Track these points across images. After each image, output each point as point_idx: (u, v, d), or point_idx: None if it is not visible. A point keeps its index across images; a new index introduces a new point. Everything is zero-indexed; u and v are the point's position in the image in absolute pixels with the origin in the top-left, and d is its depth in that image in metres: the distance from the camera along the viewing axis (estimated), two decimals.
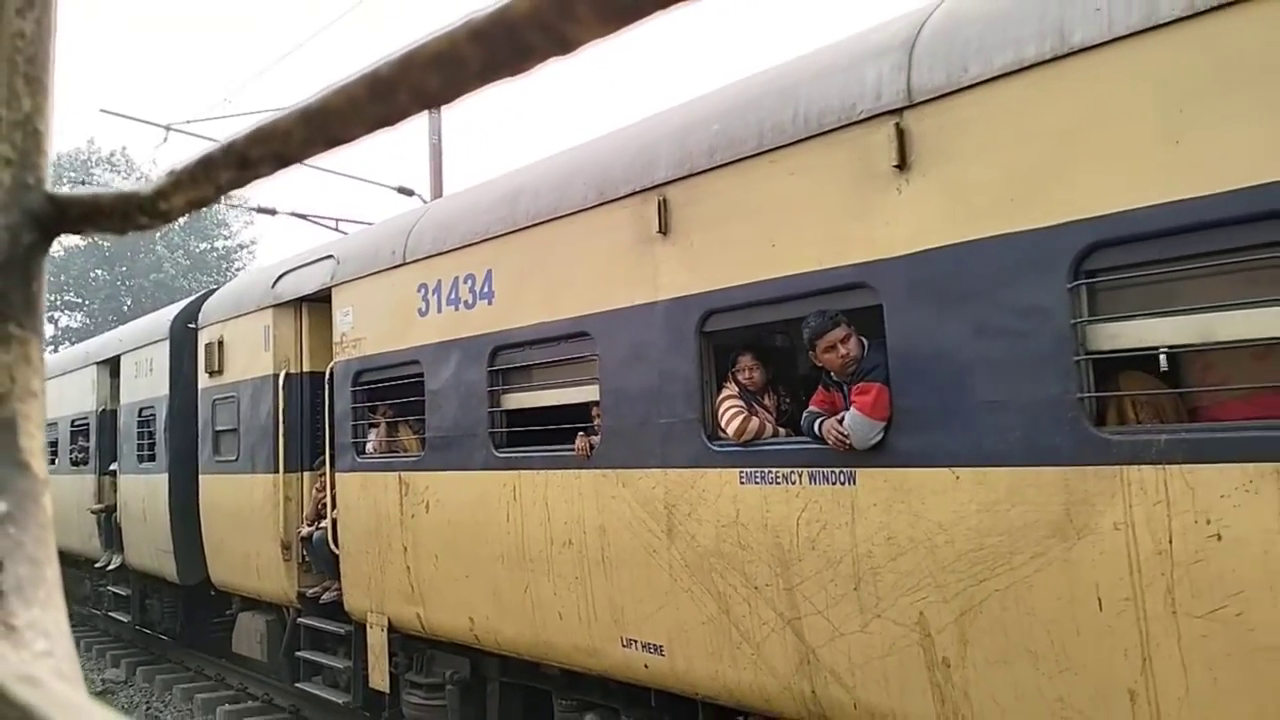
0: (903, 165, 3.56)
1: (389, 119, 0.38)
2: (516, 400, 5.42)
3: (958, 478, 3.39)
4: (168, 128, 12.57)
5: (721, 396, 4.32)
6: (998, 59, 3.32)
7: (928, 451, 3.49)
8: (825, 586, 3.80)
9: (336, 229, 11.99)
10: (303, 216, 12.36)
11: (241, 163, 0.43)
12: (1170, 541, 2.88)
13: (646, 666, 4.61)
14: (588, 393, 4.93)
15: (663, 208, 4.48)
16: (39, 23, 0.46)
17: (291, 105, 0.41)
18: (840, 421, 3.70)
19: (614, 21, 0.32)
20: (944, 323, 3.46)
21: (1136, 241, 3.01)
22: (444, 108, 0.38)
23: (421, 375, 6.01)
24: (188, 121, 12.49)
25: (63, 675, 0.40)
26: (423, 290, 6.03)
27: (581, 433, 4.93)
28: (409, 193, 12.51)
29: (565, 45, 0.33)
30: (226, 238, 40.34)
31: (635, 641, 4.64)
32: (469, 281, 5.67)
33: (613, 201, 4.76)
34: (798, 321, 4.00)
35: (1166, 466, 2.90)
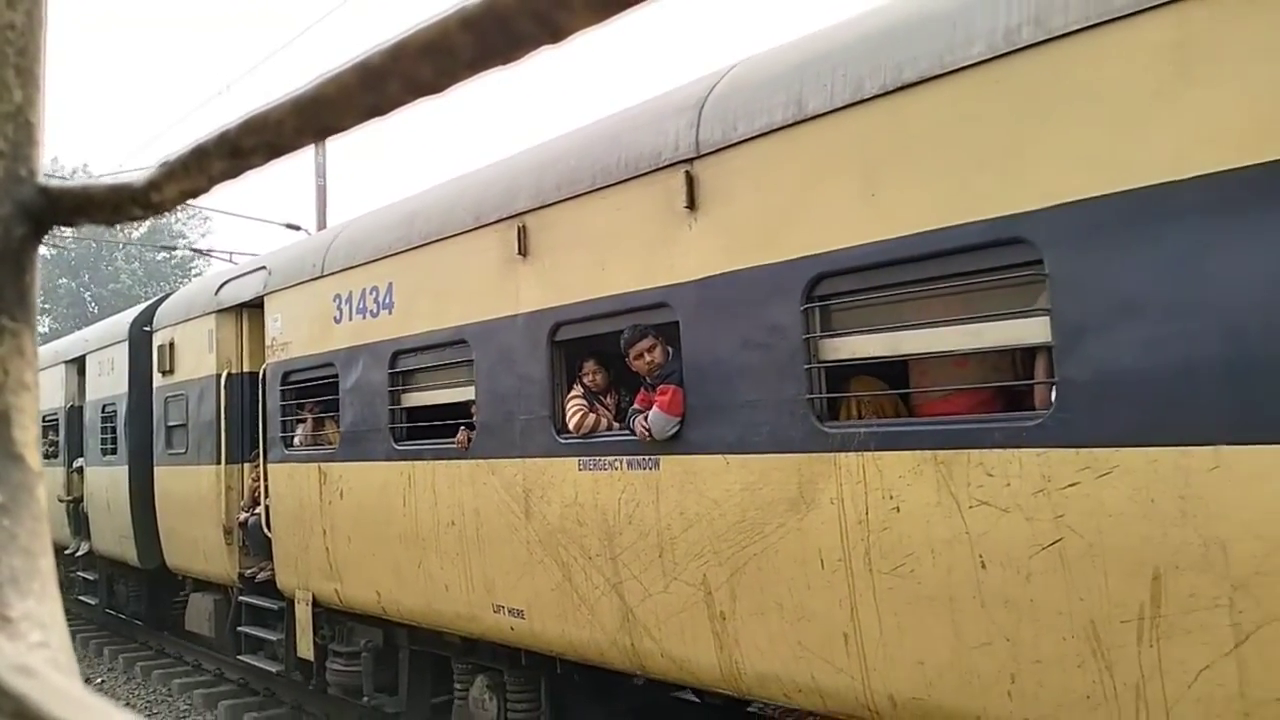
0: (692, 206, 4.29)
1: (380, 108, 0.38)
2: (412, 399, 6.15)
3: (728, 463, 4.13)
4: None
5: (569, 396, 5.05)
6: (757, 121, 4.05)
7: (708, 441, 4.22)
8: (639, 555, 4.53)
9: (230, 260, 13.03)
10: (199, 252, 13.48)
11: (234, 152, 0.42)
12: (867, 513, 3.62)
13: (512, 629, 5.35)
14: (467, 393, 5.65)
15: (522, 233, 5.20)
16: (29, 14, 0.46)
17: (283, 94, 0.40)
18: (646, 417, 4.43)
19: (606, 9, 0.32)
20: (719, 337, 4.19)
21: (849, 273, 3.74)
22: (433, 97, 0.37)
23: (337, 376, 6.73)
24: (100, 176, 13.63)
25: (58, 666, 0.39)
26: (337, 300, 6.74)
27: (463, 427, 5.65)
28: (296, 228, 13.60)
29: (557, 33, 0.32)
30: (185, 246, 41.84)
31: (503, 607, 5.37)
32: (374, 293, 6.38)
33: (486, 226, 5.48)
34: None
35: (863, 453, 3.64)
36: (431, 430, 5.96)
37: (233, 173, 0.43)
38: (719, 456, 4.17)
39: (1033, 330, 3.25)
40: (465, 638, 6.08)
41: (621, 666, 4.80)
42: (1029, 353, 3.45)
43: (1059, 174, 3.12)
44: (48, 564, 0.44)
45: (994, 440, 3.28)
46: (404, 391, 6.19)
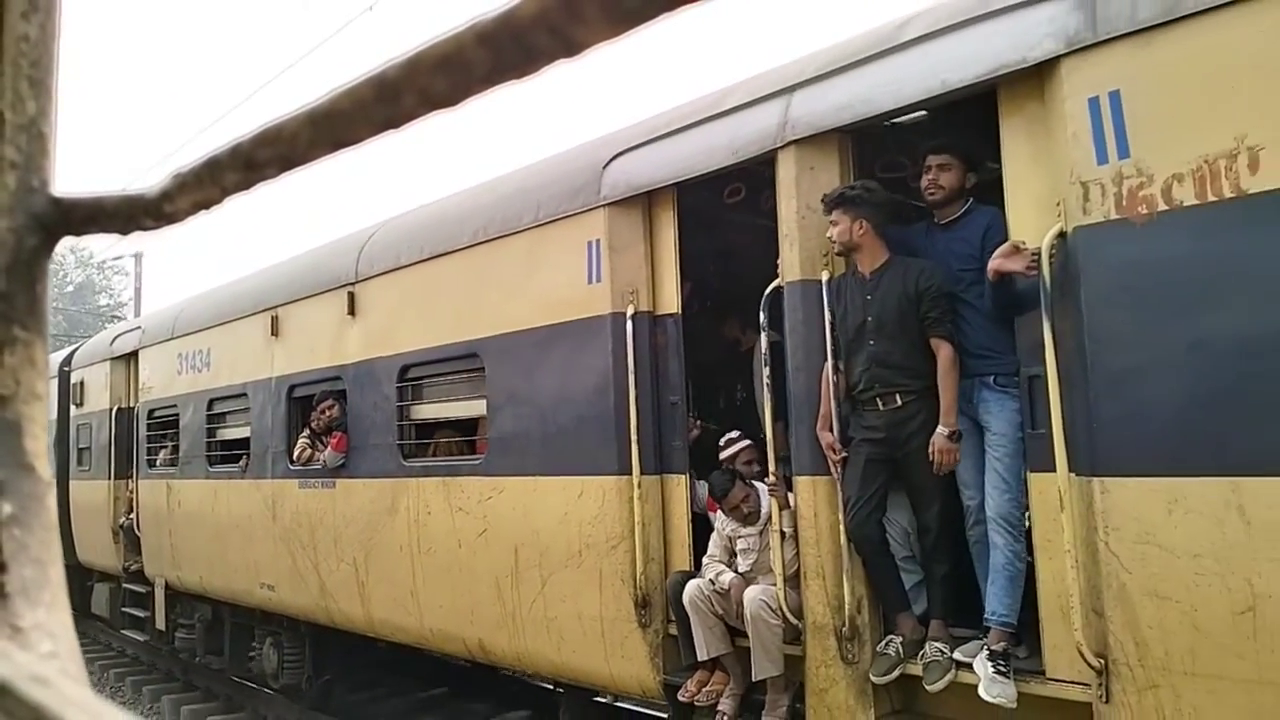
0: (353, 313, 6.54)
1: (395, 121, 0.38)
2: (218, 434, 8.40)
3: (365, 485, 6.37)
4: None
5: (300, 436, 7.28)
6: (380, 264, 6.31)
7: (356, 470, 6.46)
8: (326, 545, 6.76)
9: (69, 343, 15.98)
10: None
11: (248, 165, 0.42)
12: (418, 517, 5.85)
13: (269, 599, 7.57)
14: (247, 431, 7.90)
15: (275, 320, 7.46)
16: (43, 27, 0.47)
17: (298, 107, 0.40)
18: (325, 454, 6.67)
19: (621, 24, 0.32)
20: (364, 400, 6.44)
21: (420, 365, 5.99)
22: (448, 110, 0.37)
23: (178, 415, 8.98)
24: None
25: (69, 676, 0.40)
26: (180, 358, 9.00)
27: (244, 456, 7.89)
28: (120, 318, 16.60)
29: (572, 48, 0.33)
30: (110, 297, 45.90)
31: (265, 584, 7.60)
32: (201, 354, 8.64)
33: (258, 313, 7.74)
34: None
35: (419, 479, 5.87)
36: (229, 457, 8.20)
37: (246, 184, 0.43)
38: (360, 480, 6.41)
39: (483, 408, 5.50)
40: (263, 612, 8.30)
41: (322, 622, 7.02)
42: None
43: (490, 317, 5.37)
44: (58, 574, 0.45)
45: (464, 471, 5.52)
46: (216, 428, 8.44)
